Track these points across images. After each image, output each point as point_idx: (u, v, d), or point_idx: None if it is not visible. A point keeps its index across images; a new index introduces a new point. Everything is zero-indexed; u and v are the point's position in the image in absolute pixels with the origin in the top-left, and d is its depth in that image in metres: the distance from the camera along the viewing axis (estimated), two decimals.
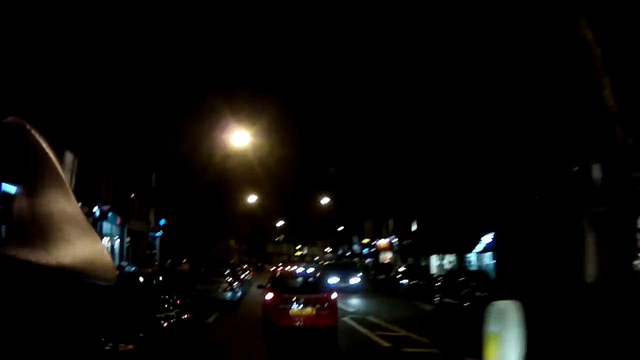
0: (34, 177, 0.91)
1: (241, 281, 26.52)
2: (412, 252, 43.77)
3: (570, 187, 24.04)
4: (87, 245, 0.94)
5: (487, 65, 26.80)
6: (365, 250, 60.47)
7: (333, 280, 28.41)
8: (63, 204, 0.95)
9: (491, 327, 5.24)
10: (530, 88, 24.21)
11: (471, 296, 18.84)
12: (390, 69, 39.58)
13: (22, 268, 0.83)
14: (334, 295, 13.68)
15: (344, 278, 31.87)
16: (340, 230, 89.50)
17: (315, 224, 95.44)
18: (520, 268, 23.15)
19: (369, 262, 58.43)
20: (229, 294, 20.95)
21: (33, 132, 0.90)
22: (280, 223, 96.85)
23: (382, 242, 53.68)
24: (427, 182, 39.81)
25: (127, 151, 33.48)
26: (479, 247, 31.49)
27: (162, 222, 40.85)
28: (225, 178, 53.27)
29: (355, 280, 33.05)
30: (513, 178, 27.50)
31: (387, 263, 47.87)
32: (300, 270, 25.46)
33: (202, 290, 19.72)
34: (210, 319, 16.84)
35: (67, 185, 0.94)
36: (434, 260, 41.68)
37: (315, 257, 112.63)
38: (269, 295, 13.62)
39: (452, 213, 35.04)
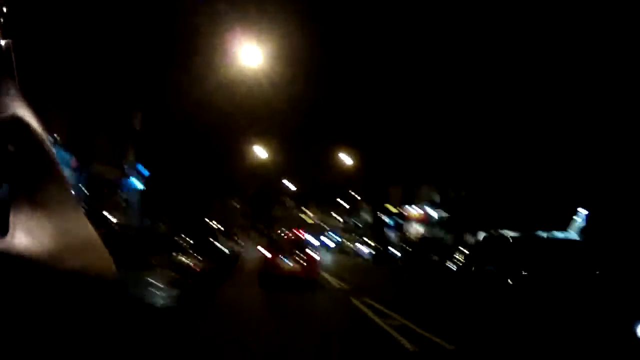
0: (32, 175, 0.87)
1: (220, 260, 17.04)
2: (457, 226, 34.61)
3: None
4: (86, 243, 0.92)
5: None
6: (391, 221, 51.33)
7: None
8: (62, 204, 0.91)
9: None
10: None
11: None
12: None
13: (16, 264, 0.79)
14: (317, 256, 18.46)
15: None
16: (357, 198, 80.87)
17: (329, 189, 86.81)
18: None
19: (392, 234, 49.45)
20: (161, 298, 9.24)
21: (31, 127, 0.87)
22: (291, 187, 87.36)
23: (414, 211, 44.42)
24: (486, 139, 30.55)
25: (102, 73, 24.24)
26: (578, 224, 22.49)
27: (145, 172, 31.62)
28: (231, 124, 44.33)
29: None
30: None
31: (425, 237, 38.87)
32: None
33: (128, 281, 8.78)
34: None
35: (68, 183, 0.93)
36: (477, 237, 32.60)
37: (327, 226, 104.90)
38: (268, 254, 18.31)
39: (524, 180, 26.39)
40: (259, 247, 19.60)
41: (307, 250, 18.06)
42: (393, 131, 47.63)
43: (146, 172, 31.49)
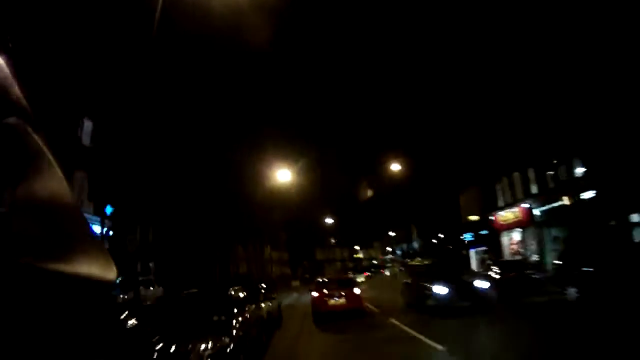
0: (33, 178, 0.91)
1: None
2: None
3: None
4: (90, 248, 0.95)
5: None
6: (469, 236, 39.18)
7: None
8: (65, 207, 0.94)
9: None
10: None
11: None
12: None
13: (28, 274, 0.84)
14: (358, 290, 18.77)
15: None
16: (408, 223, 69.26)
17: (372, 220, 75.58)
18: None
19: (480, 254, 37.33)
20: None
21: (32, 133, 0.91)
22: (329, 221, 75.42)
23: (510, 212, 32.25)
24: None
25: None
26: None
27: (107, 209, 20.59)
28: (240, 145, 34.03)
29: None
30: None
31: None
32: None
33: None
34: None
35: (68, 184, 0.94)
36: None
37: (373, 259, 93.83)
38: (315, 294, 18.85)
39: None
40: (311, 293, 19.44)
41: (351, 288, 18.72)
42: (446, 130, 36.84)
43: (108, 209, 20.47)
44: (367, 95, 54.37)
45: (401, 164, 38.89)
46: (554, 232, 27.34)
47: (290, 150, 37.47)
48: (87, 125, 21.21)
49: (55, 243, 0.81)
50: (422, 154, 40.55)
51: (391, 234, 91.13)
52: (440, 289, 16.07)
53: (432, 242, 56.04)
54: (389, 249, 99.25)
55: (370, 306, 20.86)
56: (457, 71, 32.21)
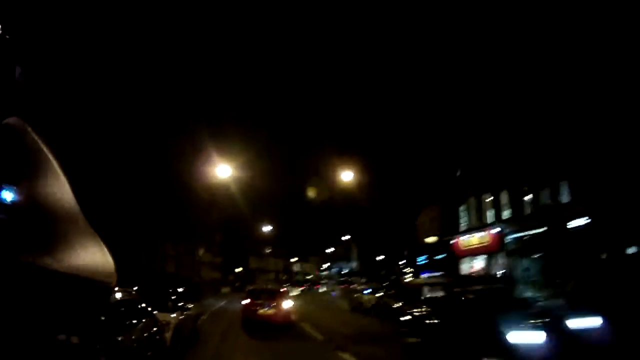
0: (34, 178, 0.92)
1: None
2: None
3: None
4: (90, 248, 0.98)
5: None
6: (422, 259, 36.20)
7: None
8: (65, 206, 0.96)
9: None
10: None
11: None
12: None
13: (34, 273, 0.85)
14: (288, 304, 19.38)
15: None
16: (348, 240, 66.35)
17: (312, 233, 72.26)
18: None
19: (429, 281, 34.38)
20: None
21: (32, 133, 0.93)
22: (267, 229, 71.08)
23: (475, 236, 29.29)
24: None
25: None
26: None
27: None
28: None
29: None
30: None
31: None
32: None
33: None
34: None
35: (68, 186, 0.97)
36: None
37: (309, 274, 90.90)
38: (246, 302, 19.06)
39: None
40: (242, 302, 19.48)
41: (281, 301, 18.91)
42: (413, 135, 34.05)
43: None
44: (325, 95, 51.30)
45: (354, 173, 35.36)
46: (526, 262, 24.66)
47: (235, 146, 33.65)
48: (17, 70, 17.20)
49: (55, 243, 0.80)
50: (381, 164, 37.43)
51: (329, 250, 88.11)
52: (531, 337, 8.84)
53: (373, 262, 53.06)
54: (325, 265, 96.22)
55: (310, 329, 17.70)
56: (431, 75, 29.50)
